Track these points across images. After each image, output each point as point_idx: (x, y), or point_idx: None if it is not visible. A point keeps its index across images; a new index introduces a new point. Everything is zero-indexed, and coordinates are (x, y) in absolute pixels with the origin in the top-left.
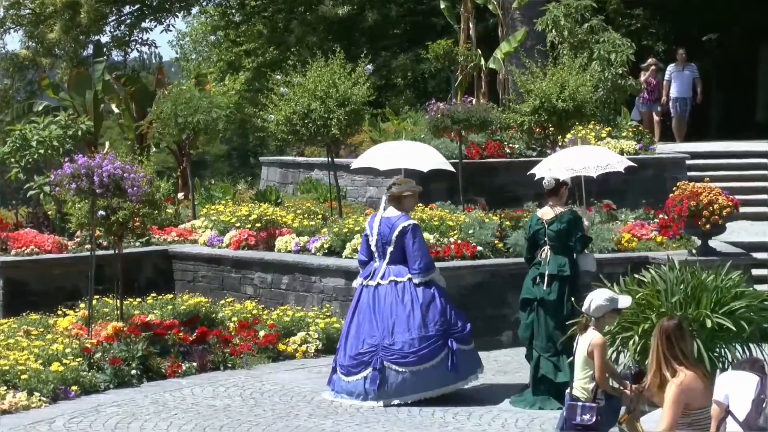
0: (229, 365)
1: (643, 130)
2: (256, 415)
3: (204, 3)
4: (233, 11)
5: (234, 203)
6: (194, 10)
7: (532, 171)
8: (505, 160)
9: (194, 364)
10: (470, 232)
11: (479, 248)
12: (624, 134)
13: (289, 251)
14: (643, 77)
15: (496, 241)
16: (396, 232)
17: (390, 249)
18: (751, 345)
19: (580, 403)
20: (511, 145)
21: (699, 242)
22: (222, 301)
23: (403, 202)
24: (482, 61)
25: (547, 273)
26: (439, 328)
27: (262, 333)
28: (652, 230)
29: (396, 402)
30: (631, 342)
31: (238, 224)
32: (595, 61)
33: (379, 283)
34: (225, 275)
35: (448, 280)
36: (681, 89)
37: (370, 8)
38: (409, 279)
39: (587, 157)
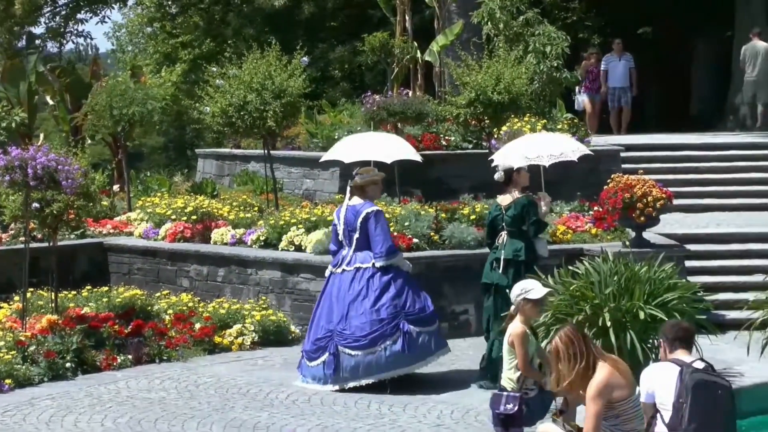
0: (165, 358)
1: (578, 122)
2: (191, 408)
3: None
4: (169, 3)
5: (170, 195)
6: (130, 2)
7: (491, 157)
8: (441, 153)
9: (129, 356)
10: (406, 224)
11: (415, 240)
12: (559, 127)
13: (225, 243)
14: (584, 64)
15: (432, 234)
16: (360, 218)
17: (356, 236)
18: None
19: (504, 393)
20: (447, 137)
21: (633, 234)
22: (158, 294)
23: (366, 191)
24: (418, 54)
25: (502, 258)
26: (392, 311)
27: (197, 326)
28: (586, 222)
29: (351, 385)
30: None
31: (173, 216)
32: (531, 54)
33: (344, 270)
34: (161, 268)
35: None
36: (618, 79)
37: (306, 0)
38: (373, 265)
39: (542, 145)
